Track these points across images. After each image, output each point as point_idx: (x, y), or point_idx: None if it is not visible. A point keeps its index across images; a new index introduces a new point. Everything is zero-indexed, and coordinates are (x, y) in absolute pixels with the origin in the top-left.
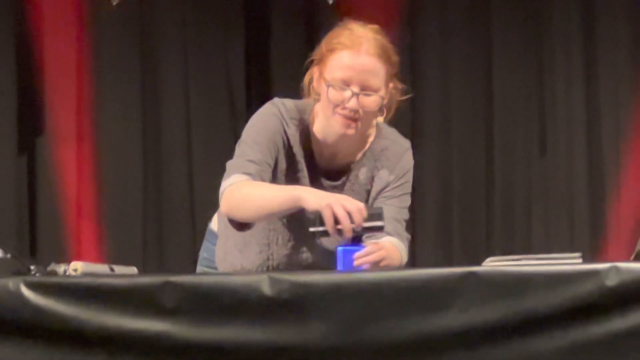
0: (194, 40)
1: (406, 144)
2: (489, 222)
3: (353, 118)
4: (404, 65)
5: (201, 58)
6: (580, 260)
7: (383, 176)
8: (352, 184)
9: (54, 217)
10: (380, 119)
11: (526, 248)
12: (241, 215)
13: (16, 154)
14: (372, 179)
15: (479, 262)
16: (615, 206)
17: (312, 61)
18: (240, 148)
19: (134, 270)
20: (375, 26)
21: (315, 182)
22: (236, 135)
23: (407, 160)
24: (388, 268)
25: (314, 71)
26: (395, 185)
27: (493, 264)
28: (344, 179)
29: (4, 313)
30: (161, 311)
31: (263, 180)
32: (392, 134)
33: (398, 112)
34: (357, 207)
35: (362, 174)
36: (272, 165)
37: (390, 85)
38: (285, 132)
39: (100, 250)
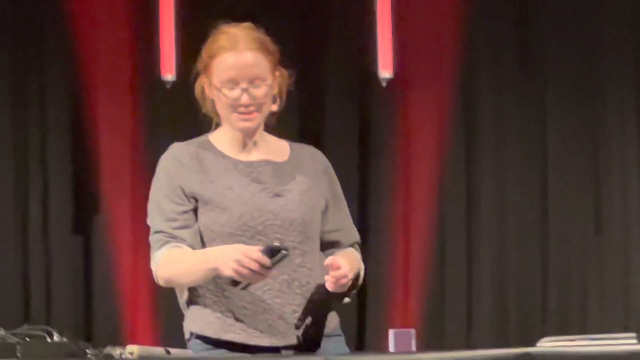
0: None
1: (319, 152)
2: (544, 301)
3: (249, 112)
4: (458, 150)
5: None
6: (635, 341)
7: (315, 189)
8: (297, 176)
9: (109, 299)
10: (275, 107)
11: (581, 327)
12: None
13: (72, 234)
14: (305, 189)
15: (534, 342)
16: None
17: (197, 73)
18: (152, 217)
19: (189, 353)
20: (248, 24)
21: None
22: None
23: (323, 163)
24: (437, 349)
25: (203, 81)
26: (330, 195)
27: (548, 344)
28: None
29: None
30: None
31: (185, 236)
32: (303, 145)
33: (452, 192)
34: (258, 253)
35: (302, 170)
36: (187, 204)
37: (277, 73)
38: (181, 162)
39: (155, 332)
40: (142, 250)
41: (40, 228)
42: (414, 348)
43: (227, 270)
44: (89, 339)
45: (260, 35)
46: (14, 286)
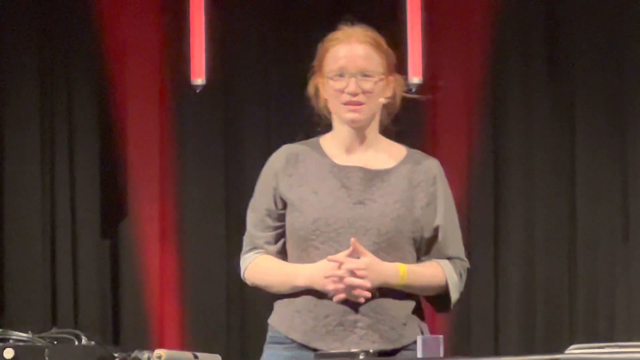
0: (277, 126)
1: (434, 161)
2: (571, 309)
3: (357, 102)
4: (486, 158)
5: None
6: None
7: (422, 202)
8: (388, 186)
9: (137, 302)
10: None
11: (609, 335)
12: (268, 291)
13: (99, 238)
14: (412, 196)
15: (561, 350)
16: None
17: (312, 72)
18: (249, 215)
19: (217, 358)
20: (364, 25)
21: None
22: None
23: (434, 175)
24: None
25: (316, 80)
26: (429, 208)
27: (577, 352)
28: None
29: None
30: None
31: (273, 240)
32: (420, 154)
33: (480, 200)
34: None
35: (399, 180)
36: (272, 215)
37: (391, 77)
38: (279, 173)
39: (183, 336)
40: (170, 254)
41: (68, 232)
42: (442, 354)
43: (320, 285)
44: (116, 343)
45: (377, 35)
46: (42, 290)
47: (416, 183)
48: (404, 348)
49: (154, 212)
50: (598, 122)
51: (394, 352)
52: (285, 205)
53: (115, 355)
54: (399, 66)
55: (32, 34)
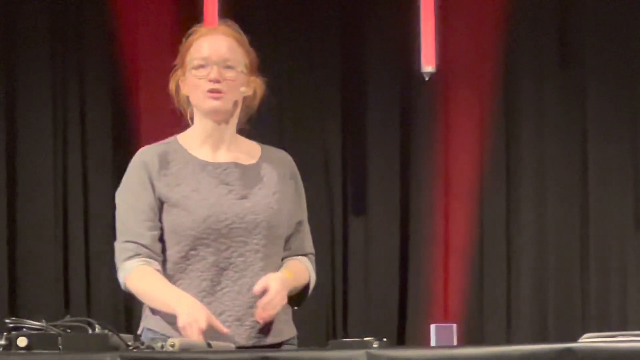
0: (291, 123)
1: (287, 154)
2: (584, 298)
3: (218, 90)
4: (499, 146)
5: (298, 142)
6: None
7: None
8: (262, 179)
9: None
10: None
11: (622, 324)
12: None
13: (112, 227)
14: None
15: (573, 339)
16: None
17: (174, 67)
18: (126, 218)
19: (231, 346)
20: (232, 23)
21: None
22: (332, 216)
23: (291, 168)
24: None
25: (178, 74)
26: (295, 201)
27: (590, 341)
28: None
29: None
30: None
31: (151, 242)
32: (272, 148)
33: (493, 189)
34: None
35: (268, 173)
36: (155, 214)
37: (252, 77)
38: (151, 168)
39: None
40: None
41: (81, 220)
42: (455, 343)
43: (180, 322)
44: (129, 331)
45: (240, 32)
46: (55, 279)
47: (282, 176)
48: (285, 342)
49: None
50: (609, 110)
51: (275, 345)
52: (162, 206)
53: (129, 343)
54: (413, 55)
55: (43, 18)
